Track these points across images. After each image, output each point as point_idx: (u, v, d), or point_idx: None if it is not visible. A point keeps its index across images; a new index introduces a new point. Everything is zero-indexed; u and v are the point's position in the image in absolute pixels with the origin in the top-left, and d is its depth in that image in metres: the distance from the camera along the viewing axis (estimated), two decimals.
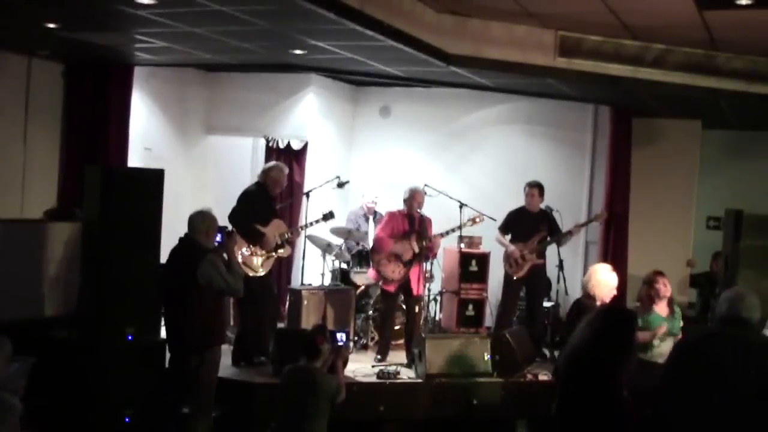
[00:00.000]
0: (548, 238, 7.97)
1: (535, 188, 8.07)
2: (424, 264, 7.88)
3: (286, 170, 7.53)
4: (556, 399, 4.00)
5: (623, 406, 3.77)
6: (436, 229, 7.80)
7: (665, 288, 6.24)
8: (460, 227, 7.81)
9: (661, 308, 6.24)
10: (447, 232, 7.79)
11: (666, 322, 6.17)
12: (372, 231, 8.67)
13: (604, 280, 6.12)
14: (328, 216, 7.76)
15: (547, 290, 8.80)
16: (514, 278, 8.00)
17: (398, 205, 7.82)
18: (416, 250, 7.58)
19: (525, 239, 7.98)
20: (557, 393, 4.04)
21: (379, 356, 7.63)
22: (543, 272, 8.21)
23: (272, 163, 7.72)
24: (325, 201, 8.86)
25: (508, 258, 8.03)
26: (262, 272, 7.12)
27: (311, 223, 7.76)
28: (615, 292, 6.21)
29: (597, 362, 3.77)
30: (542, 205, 8.13)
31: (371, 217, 8.84)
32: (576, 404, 3.83)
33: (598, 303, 5.96)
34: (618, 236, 9.11)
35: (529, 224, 8.03)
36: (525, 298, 8.24)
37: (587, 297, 6.14)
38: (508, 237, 8.11)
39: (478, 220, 7.81)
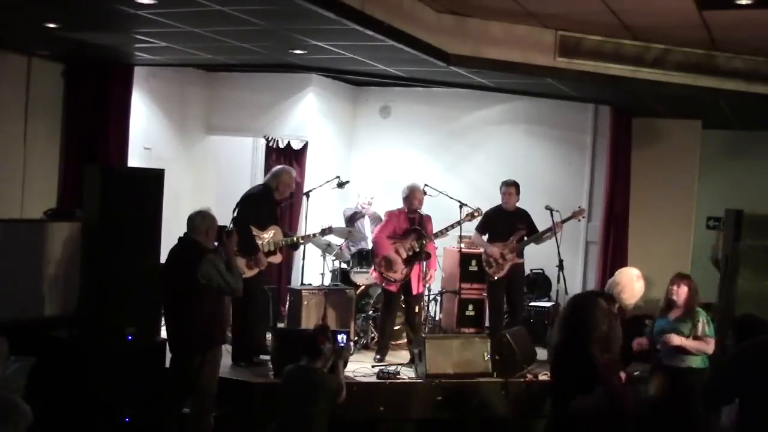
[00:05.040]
0: (526, 237, 7.99)
1: (512, 187, 8.06)
2: (424, 263, 7.88)
3: (294, 173, 7.52)
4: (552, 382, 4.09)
5: (606, 377, 3.83)
6: (436, 227, 7.80)
7: (671, 292, 6.01)
8: (459, 223, 7.78)
9: (675, 312, 6.04)
10: (446, 230, 7.77)
11: (669, 326, 6.00)
12: (368, 230, 8.68)
13: (637, 289, 5.65)
14: (326, 231, 7.75)
15: (543, 289, 8.81)
16: (495, 278, 8.01)
17: (397, 205, 7.83)
18: (416, 248, 7.58)
19: (503, 239, 7.99)
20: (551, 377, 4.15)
21: (378, 356, 7.64)
22: (522, 271, 8.22)
23: (282, 166, 7.67)
24: (325, 201, 8.87)
25: (487, 259, 8.03)
26: (249, 275, 7.07)
27: (309, 236, 7.72)
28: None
29: (572, 342, 3.87)
30: (543, 205, 8.13)
31: (367, 216, 8.84)
32: (565, 381, 3.93)
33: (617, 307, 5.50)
34: (618, 236, 9.11)
35: (507, 223, 8.03)
36: (506, 298, 8.20)
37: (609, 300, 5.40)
38: (486, 237, 8.11)
39: (476, 214, 7.78)
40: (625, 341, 6.07)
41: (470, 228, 8.21)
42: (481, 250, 8.27)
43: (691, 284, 6.08)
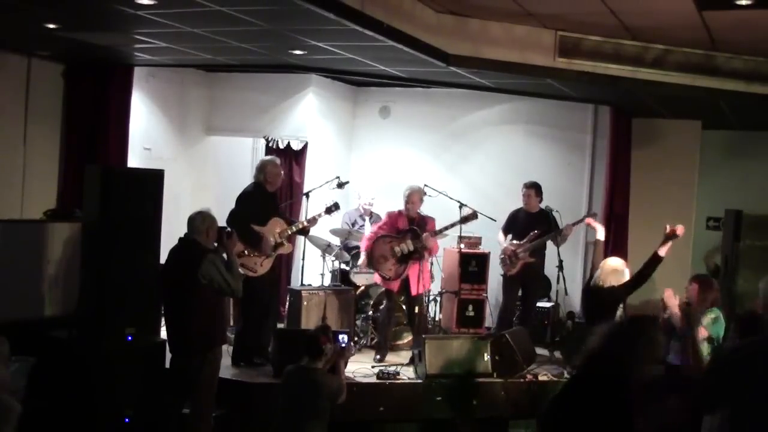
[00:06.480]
0: (540, 237, 8.00)
1: (531, 188, 8.15)
2: (428, 263, 7.90)
3: (278, 161, 7.52)
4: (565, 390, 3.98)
5: (630, 408, 3.76)
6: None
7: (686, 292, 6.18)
8: (454, 225, 7.76)
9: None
10: (441, 230, 7.77)
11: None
12: (368, 229, 8.68)
13: (611, 266, 6.27)
14: (332, 208, 7.70)
15: (544, 290, 8.81)
16: (508, 275, 8.08)
17: (397, 206, 7.87)
18: (410, 248, 7.60)
19: (521, 239, 8.06)
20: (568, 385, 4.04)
21: (378, 356, 7.65)
22: (538, 271, 8.24)
23: (265, 158, 7.69)
24: (325, 201, 8.85)
25: (502, 256, 8.17)
26: (261, 272, 7.11)
27: (314, 218, 7.71)
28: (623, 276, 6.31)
29: (612, 363, 3.78)
30: (542, 205, 8.15)
31: (368, 218, 8.84)
32: (586, 400, 3.84)
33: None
34: (618, 236, 9.11)
35: (526, 224, 8.11)
36: (520, 296, 8.26)
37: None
38: (510, 237, 8.17)
39: (471, 217, 7.77)
40: None
41: (470, 229, 8.23)
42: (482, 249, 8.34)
43: (703, 282, 6.14)
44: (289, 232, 7.33)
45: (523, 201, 8.19)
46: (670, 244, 6.29)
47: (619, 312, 6.28)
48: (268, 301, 7.31)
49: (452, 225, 7.73)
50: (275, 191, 7.50)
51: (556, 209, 8.06)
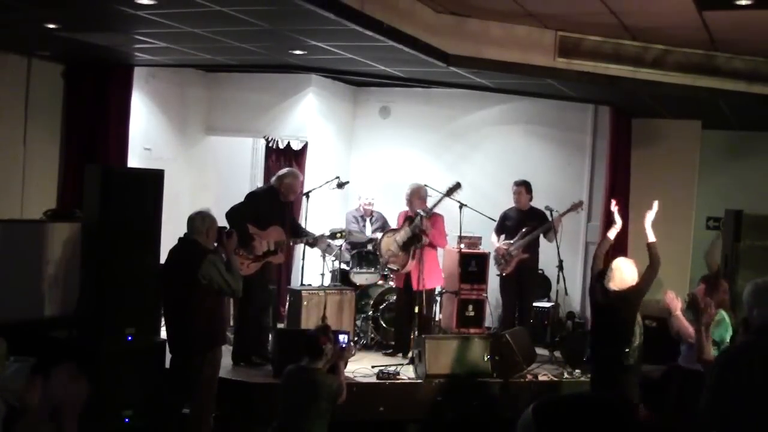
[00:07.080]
0: (531, 232, 8.02)
1: (522, 186, 8.22)
2: (436, 259, 8.01)
3: (301, 177, 7.55)
4: None
5: None
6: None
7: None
8: (445, 196, 7.74)
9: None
10: (430, 209, 7.77)
11: None
12: (369, 232, 8.70)
13: (625, 267, 6.10)
14: (338, 235, 7.80)
15: (544, 290, 8.81)
16: (504, 275, 8.12)
17: (397, 206, 7.94)
18: (408, 234, 7.73)
19: (513, 236, 8.12)
20: None
21: (390, 350, 7.73)
22: (532, 269, 8.27)
23: (287, 169, 7.73)
24: (325, 201, 8.87)
25: (496, 256, 8.20)
26: (246, 273, 7.02)
27: (317, 238, 7.75)
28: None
29: None
30: (543, 206, 8.15)
31: (368, 219, 8.85)
32: None
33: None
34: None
35: (517, 222, 8.17)
36: (517, 296, 8.26)
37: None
38: (503, 238, 8.18)
39: (455, 189, 7.73)
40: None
41: (470, 229, 8.23)
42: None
43: (709, 283, 6.08)
44: (283, 244, 7.33)
45: (514, 199, 8.25)
46: (648, 224, 6.21)
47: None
48: (264, 300, 7.31)
49: (439, 200, 7.74)
50: (288, 202, 7.51)
51: (556, 209, 8.07)
